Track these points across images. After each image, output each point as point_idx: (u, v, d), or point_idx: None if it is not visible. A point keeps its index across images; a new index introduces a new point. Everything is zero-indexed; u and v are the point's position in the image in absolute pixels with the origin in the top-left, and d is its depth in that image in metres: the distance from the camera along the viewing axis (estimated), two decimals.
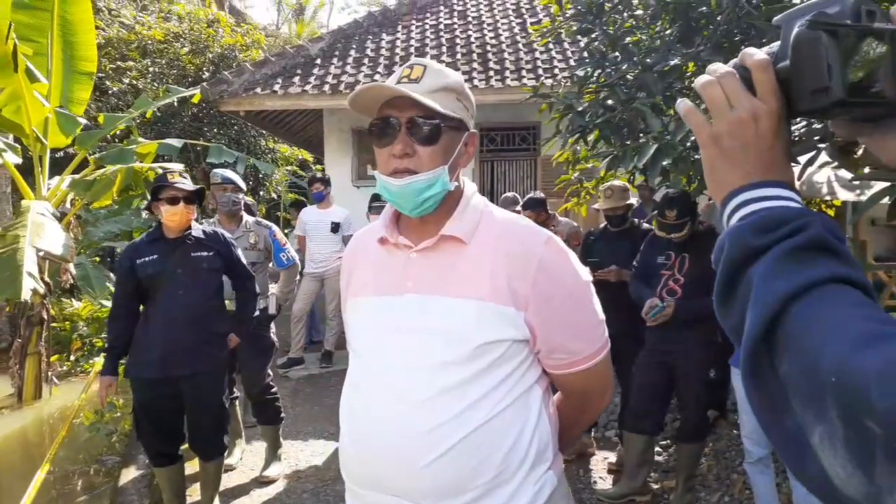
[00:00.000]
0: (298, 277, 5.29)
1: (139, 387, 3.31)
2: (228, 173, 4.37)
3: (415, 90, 1.25)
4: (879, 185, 3.72)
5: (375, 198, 4.49)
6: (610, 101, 3.55)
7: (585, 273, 1.36)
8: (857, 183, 3.88)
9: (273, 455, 4.31)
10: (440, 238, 1.32)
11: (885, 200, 2.31)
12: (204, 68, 12.44)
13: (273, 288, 4.71)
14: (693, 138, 2.65)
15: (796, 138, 3.08)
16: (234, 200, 4.29)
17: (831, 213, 5.37)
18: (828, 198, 4.24)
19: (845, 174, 3.95)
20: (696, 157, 2.87)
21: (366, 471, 1.32)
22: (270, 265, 4.61)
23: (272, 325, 4.55)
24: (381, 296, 1.37)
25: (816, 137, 2.76)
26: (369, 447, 1.29)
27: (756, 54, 0.72)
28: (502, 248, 1.30)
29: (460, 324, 1.26)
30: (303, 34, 20.69)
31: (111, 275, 8.97)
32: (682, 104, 0.78)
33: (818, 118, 0.83)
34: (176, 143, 7.20)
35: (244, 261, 3.64)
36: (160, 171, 6.63)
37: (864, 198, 3.84)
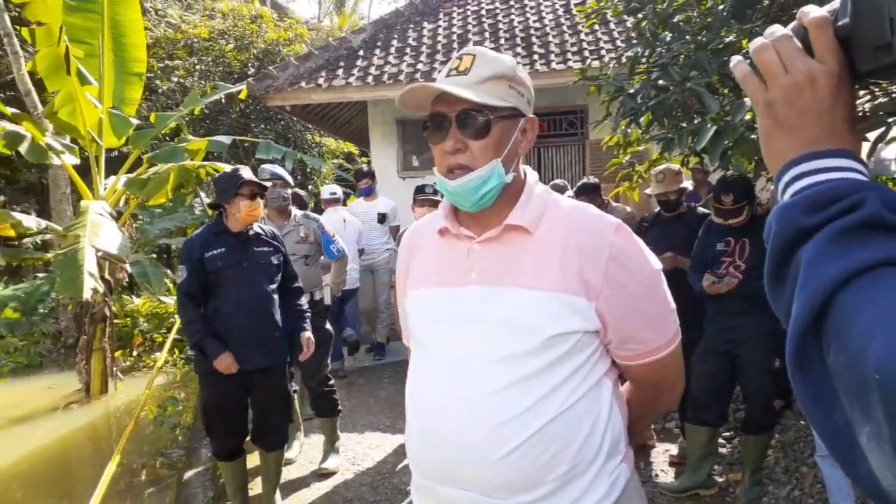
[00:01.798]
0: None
1: (211, 382, 3.35)
2: (276, 169, 4.42)
3: (463, 83, 1.23)
4: None
5: (420, 189, 4.46)
6: (662, 82, 3.43)
7: (656, 261, 1.32)
8: None
9: (331, 447, 4.35)
10: (505, 228, 1.28)
11: None
12: (249, 64, 12.61)
13: (326, 279, 4.76)
14: (752, 118, 2.53)
15: (861, 113, 2.93)
16: (283, 196, 4.32)
17: None
18: None
19: None
20: (755, 136, 2.74)
21: (436, 464, 1.29)
22: (322, 258, 4.65)
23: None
24: (443, 287, 1.34)
25: (882, 113, 2.61)
26: (440, 440, 1.27)
27: (813, 11, 0.66)
28: (571, 236, 1.26)
29: (529, 315, 1.23)
30: (344, 26, 20.75)
31: (168, 271, 9.23)
32: (739, 67, 0.72)
33: (883, 79, 0.76)
34: (225, 139, 7.31)
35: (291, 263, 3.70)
36: (212, 169, 6.77)
37: None
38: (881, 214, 0.59)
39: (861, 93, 3.66)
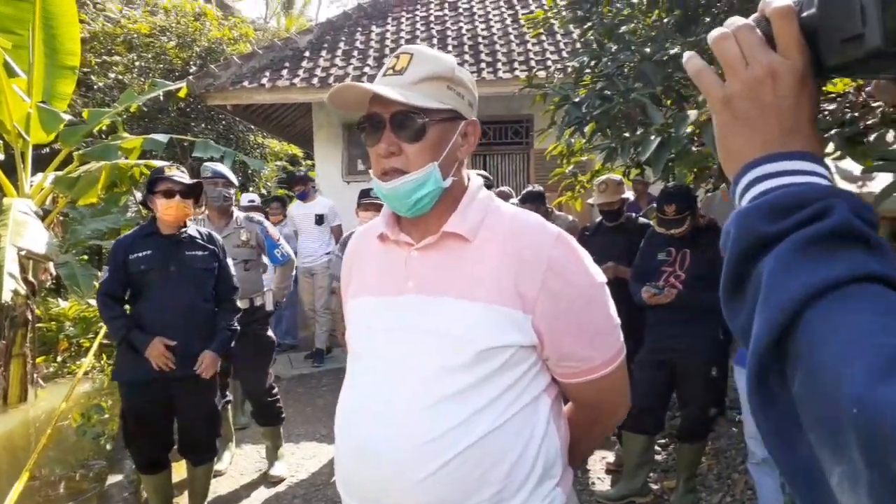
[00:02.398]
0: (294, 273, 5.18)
1: (129, 390, 3.19)
2: (219, 167, 4.23)
3: (398, 83, 1.17)
4: (884, 177, 3.64)
5: (364, 193, 4.36)
6: (607, 92, 3.45)
7: (599, 274, 1.25)
8: (857, 174, 3.80)
9: (276, 455, 4.24)
10: (442, 235, 1.23)
11: None
12: (191, 62, 12.26)
13: (268, 284, 4.60)
14: (693, 131, 2.55)
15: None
16: (224, 196, 4.14)
17: None
18: None
19: (847, 166, 3.86)
20: (697, 149, 2.77)
21: (361, 483, 1.22)
22: (265, 261, 4.50)
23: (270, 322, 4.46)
24: (380, 296, 1.29)
25: (822, 128, 2.67)
26: (364, 457, 1.21)
27: (776, 1, 0.61)
28: (510, 245, 1.20)
29: (462, 327, 1.17)
30: (291, 28, 20.46)
31: (99, 273, 8.82)
32: (693, 62, 0.66)
33: (852, 75, 0.73)
34: (161, 138, 7.05)
35: (232, 270, 3.49)
36: (146, 168, 6.52)
37: (865, 190, 3.76)
38: (850, 223, 0.54)
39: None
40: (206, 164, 4.35)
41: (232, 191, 4.21)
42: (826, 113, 3.47)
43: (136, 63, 12.15)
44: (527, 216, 1.28)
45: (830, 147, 2.79)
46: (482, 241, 1.22)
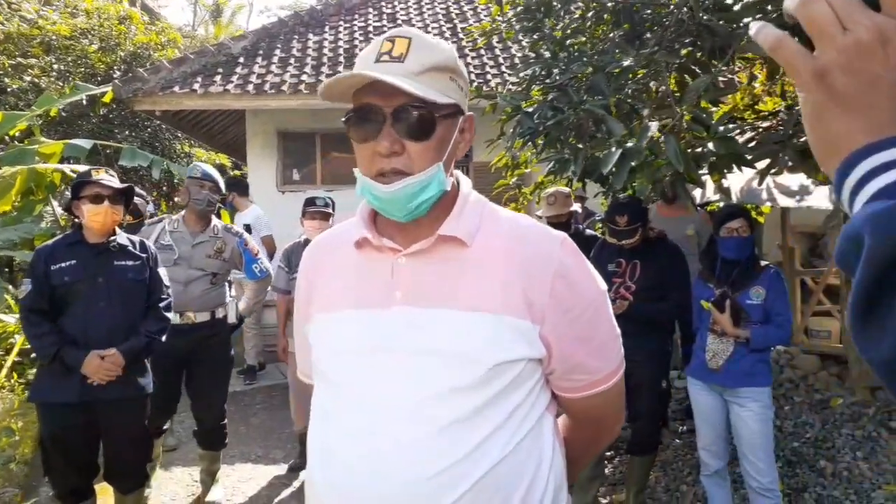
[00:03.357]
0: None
1: (51, 414, 2.89)
2: (210, 169, 3.85)
3: (399, 71, 1.02)
4: (820, 192, 3.77)
5: (310, 202, 4.19)
6: (558, 104, 3.44)
7: (602, 282, 1.18)
8: (795, 189, 3.93)
9: (213, 479, 3.97)
10: (437, 239, 1.09)
11: None
12: (115, 67, 11.73)
13: (231, 295, 4.25)
14: (652, 141, 2.54)
15: (753, 144, 3.06)
16: (209, 200, 3.76)
17: (762, 220, 5.47)
18: (768, 204, 4.28)
19: (784, 181, 3.99)
20: (659, 160, 2.77)
21: None
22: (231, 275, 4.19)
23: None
24: (361, 309, 1.12)
25: (775, 143, 2.72)
26: (358, 495, 1.04)
27: None
28: (514, 251, 1.10)
29: (469, 342, 1.04)
30: (220, 37, 19.95)
31: (10, 287, 8.24)
32: (766, 31, 0.55)
33: None
34: (85, 143, 6.66)
35: (166, 282, 3.20)
36: (69, 172, 6.13)
37: (804, 204, 3.89)
38: None
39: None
40: (195, 163, 4.03)
41: (217, 197, 3.88)
42: (768, 128, 3.57)
43: (55, 66, 11.53)
44: (527, 219, 1.19)
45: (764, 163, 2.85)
46: (481, 247, 1.10)
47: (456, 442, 1.02)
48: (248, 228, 6.61)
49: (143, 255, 3.09)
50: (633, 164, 2.47)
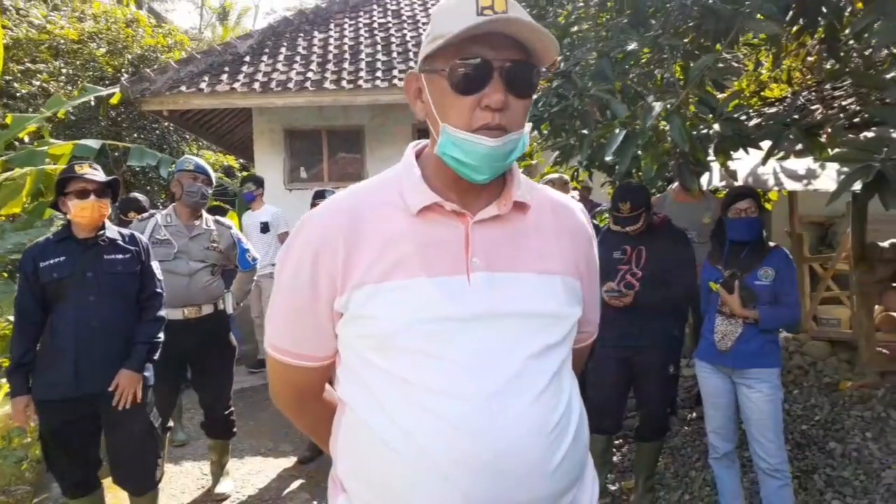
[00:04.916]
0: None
1: (48, 409, 2.85)
2: (202, 162, 3.89)
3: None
4: (827, 175, 3.75)
5: (320, 195, 4.22)
6: (563, 91, 3.43)
7: None
8: (803, 173, 3.90)
9: (222, 470, 3.99)
10: (514, 205, 1.13)
11: (857, 186, 2.22)
12: (123, 70, 11.79)
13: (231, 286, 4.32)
14: (657, 122, 2.54)
15: (763, 123, 3.05)
16: (203, 193, 3.78)
17: (769, 207, 5.44)
18: (775, 189, 4.26)
19: (791, 165, 3.96)
20: (665, 142, 2.76)
21: (481, 487, 1.02)
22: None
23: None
24: (438, 276, 1.07)
25: (776, 123, 2.70)
26: (488, 463, 1.01)
27: None
28: (559, 218, 1.20)
29: (553, 301, 1.12)
30: (227, 38, 20.04)
31: None
32: None
33: None
34: (94, 143, 6.72)
35: (159, 276, 3.17)
36: None
37: (811, 188, 3.86)
38: None
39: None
40: (187, 156, 4.07)
41: (210, 190, 3.91)
42: (774, 114, 3.55)
43: (63, 70, 11.60)
44: (548, 188, 1.29)
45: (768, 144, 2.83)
46: (535, 213, 1.17)
47: (556, 396, 1.09)
48: (265, 227, 6.64)
49: (134, 248, 3.05)
50: (637, 144, 2.46)
